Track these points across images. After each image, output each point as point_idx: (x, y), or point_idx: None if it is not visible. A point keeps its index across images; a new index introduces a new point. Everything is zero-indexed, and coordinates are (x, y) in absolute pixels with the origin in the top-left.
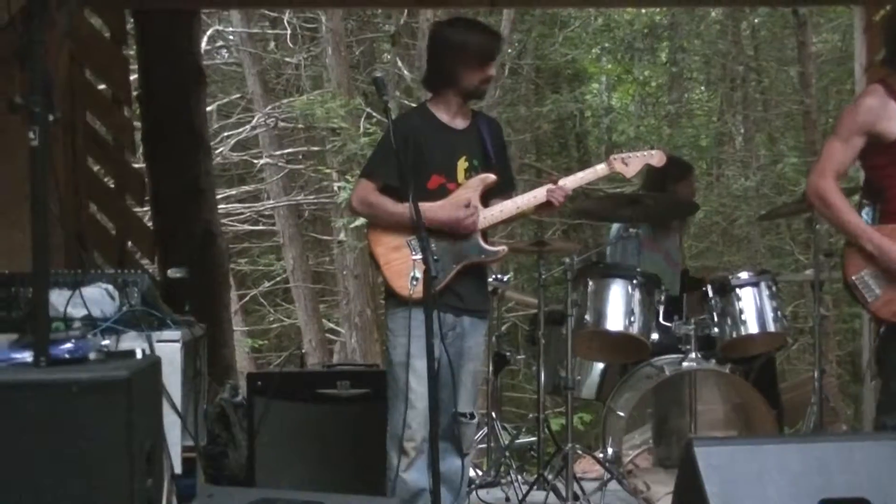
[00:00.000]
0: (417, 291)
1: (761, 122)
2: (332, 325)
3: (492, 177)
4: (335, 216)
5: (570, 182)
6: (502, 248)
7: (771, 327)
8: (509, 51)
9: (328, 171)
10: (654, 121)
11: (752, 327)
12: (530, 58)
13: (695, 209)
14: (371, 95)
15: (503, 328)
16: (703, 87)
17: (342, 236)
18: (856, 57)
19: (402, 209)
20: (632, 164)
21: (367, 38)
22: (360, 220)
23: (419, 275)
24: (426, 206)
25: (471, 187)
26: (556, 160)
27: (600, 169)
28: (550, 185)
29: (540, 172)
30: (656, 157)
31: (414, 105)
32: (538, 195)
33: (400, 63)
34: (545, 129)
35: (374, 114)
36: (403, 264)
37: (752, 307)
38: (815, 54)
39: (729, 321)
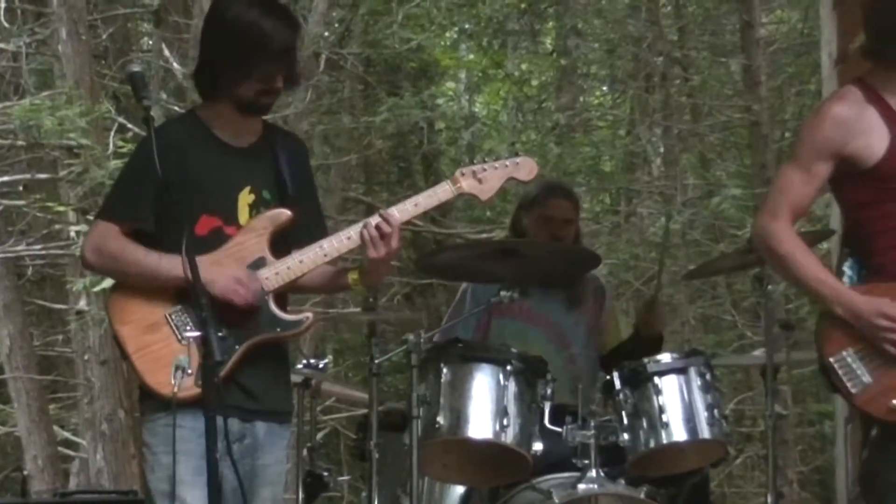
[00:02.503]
0: (185, 387)
1: (690, 137)
2: (67, 435)
3: (286, 213)
4: (73, 275)
5: (401, 212)
6: (306, 317)
7: (704, 433)
8: (326, 34)
9: (62, 208)
10: (537, 135)
11: (678, 433)
12: (357, 45)
13: (593, 263)
14: (126, 99)
15: (319, 437)
16: (605, 88)
17: (83, 304)
18: (822, 44)
19: (162, 263)
20: (488, 179)
21: (119, 14)
22: (109, 281)
23: (187, 362)
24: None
25: (256, 230)
26: (395, 192)
27: (442, 191)
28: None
29: (371, 210)
30: (524, 168)
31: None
32: (353, 234)
33: (167, 52)
34: (379, 149)
35: (131, 126)
36: (163, 349)
37: (678, 404)
38: (767, 40)
39: (644, 424)
